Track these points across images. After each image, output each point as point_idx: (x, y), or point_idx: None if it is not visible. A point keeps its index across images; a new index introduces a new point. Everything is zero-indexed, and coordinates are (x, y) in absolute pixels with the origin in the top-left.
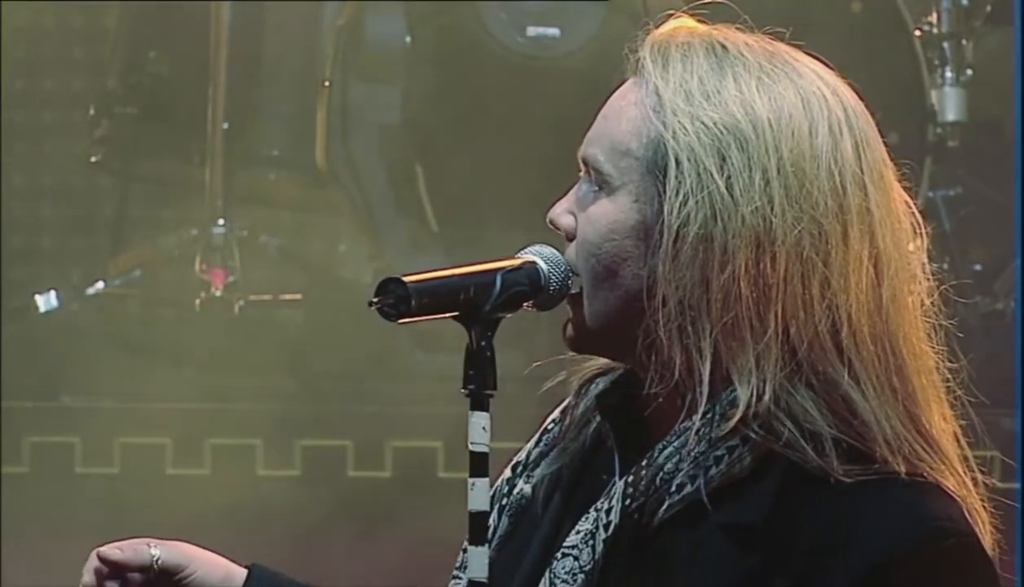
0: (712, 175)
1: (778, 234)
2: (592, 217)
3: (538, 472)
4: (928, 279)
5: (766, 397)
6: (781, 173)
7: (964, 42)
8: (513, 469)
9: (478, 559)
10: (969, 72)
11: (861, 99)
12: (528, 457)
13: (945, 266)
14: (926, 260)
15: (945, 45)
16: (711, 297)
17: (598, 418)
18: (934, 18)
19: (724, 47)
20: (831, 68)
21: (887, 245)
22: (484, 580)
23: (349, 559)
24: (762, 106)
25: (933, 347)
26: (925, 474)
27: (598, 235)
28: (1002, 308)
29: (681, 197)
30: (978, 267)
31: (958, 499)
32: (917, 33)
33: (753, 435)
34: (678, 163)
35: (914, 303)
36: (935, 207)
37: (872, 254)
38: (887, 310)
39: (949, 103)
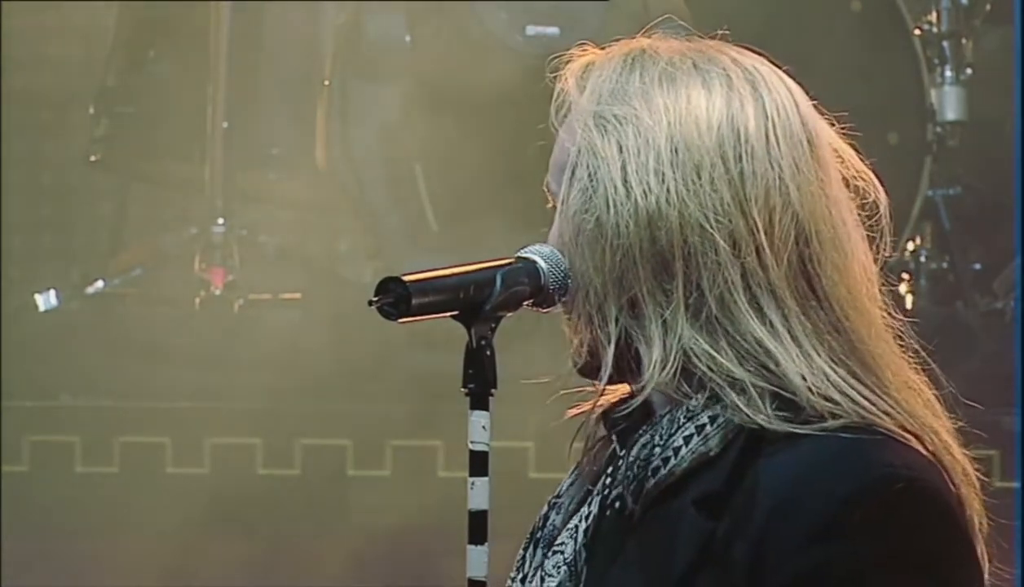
0: (608, 165)
1: (671, 209)
2: (548, 237)
3: (565, 501)
4: (882, 251)
5: (671, 360)
6: (674, 151)
7: (964, 41)
8: (549, 505)
9: (477, 558)
10: (969, 71)
11: (793, 81)
12: (560, 491)
13: (945, 265)
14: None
15: (945, 44)
16: (609, 281)
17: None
18: (934, 17)
19: (642, 51)
20: (764, 56)
21: (806, 212)
22: (483, 579)
23: (348, 557)
24: (660, 93)
25: (885, 311)
26: (875, 423)
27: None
28: (1001, 307)
29: (574, 191)
30: (977, 266)
31: (916, 447)
32: (917, 32)
33: (675, 395)
34: (578, 160)
35: (850, 269)
36: (935, 206)
37: (785, 220)
38: (812, 273)
39: (949, 102)
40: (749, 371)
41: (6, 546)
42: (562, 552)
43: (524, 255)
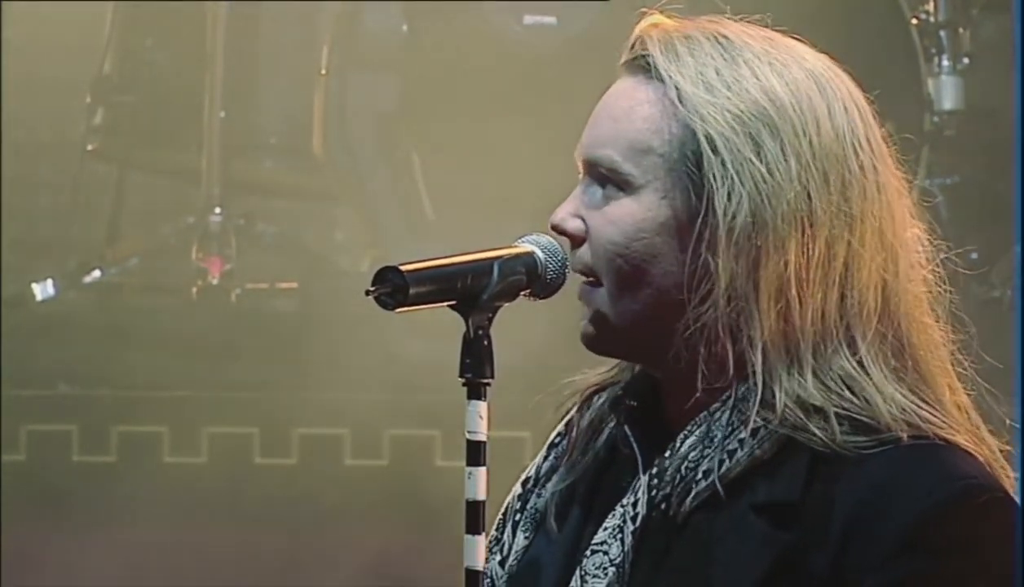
0: (752, 162)
1: (818, 216)
2: (614, 218)
3: (549, 487)
4: (927, 254)
5: (808, 379)
6: (815, 156)
7: (961, 30)
8: (523, 485)
9: (475, 548)
10: (966, 60)
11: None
12: (538, 473)
13: (942, 254)
14: (923, 237)
15: (942, 33)
16: (760, 285)
17: (608, 428)
18: (931, 6)
19: (726, 36)
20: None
21: (895, 220)
22: (480, 569)
23: (345, 547)
24: (783, 91)
25: (937, 321)
26: (946, 437)
27: (624, 235)
28: (999, 296)
29: (727, 187)
30: (975, 255)
31: (981, 458)
32: (914, 21)
33: (759, 419)
34: (716, 154)
35: (914, 277)
36: (932, 195)
37: (884, 229)
38: (888, 285)
39: (946, 91)
40: (832, 402)
41: (4, 534)
42: (606, 552)
43: (521, 245)
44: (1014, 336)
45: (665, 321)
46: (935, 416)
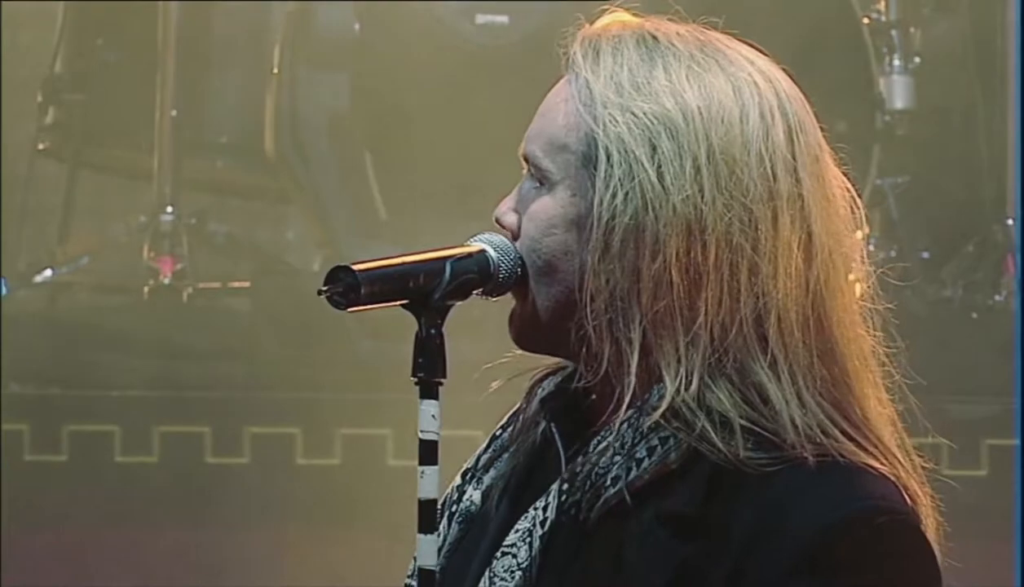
0: (643, 165)
1: (709, 221)
2: (532, 213)
3: (487, 478)
4: (867, 265)
5: (693, 387)
6: (711, 160)
7: (912, 30)
8: (463, 476)
9: (428, 547)
10: (917, 60)
11: (797, 85)
12: (478, 463)
13: (893, 253)
14: (867, 246)
15: (893, 33)
16: (641, 287)
17: (544, 422)
18: (882, 5)
19: (655, 38)
20: (766, 54)
21: (819, 230)
22: (434, 568)
23: (297, 546)
24: (692, 95)
25: (869, 332)
26: (854, 457)
27: (538, 230)
28: (949, 295)
29: (611, 188)
30: (926, 254)
31: (891, 479)
32: (865, 21)
33: (666, 425)
34: (608, 155)
35: (849, 288)
36: (883, 194)
37: (802, 240)
38: (817, 296)
39: (897, 91)
40: (741, 412)
41: None
42: (515, 555)
43: (474, 244)
44: (1014, 336)
45: (570, 318)
46: (848, 433)
